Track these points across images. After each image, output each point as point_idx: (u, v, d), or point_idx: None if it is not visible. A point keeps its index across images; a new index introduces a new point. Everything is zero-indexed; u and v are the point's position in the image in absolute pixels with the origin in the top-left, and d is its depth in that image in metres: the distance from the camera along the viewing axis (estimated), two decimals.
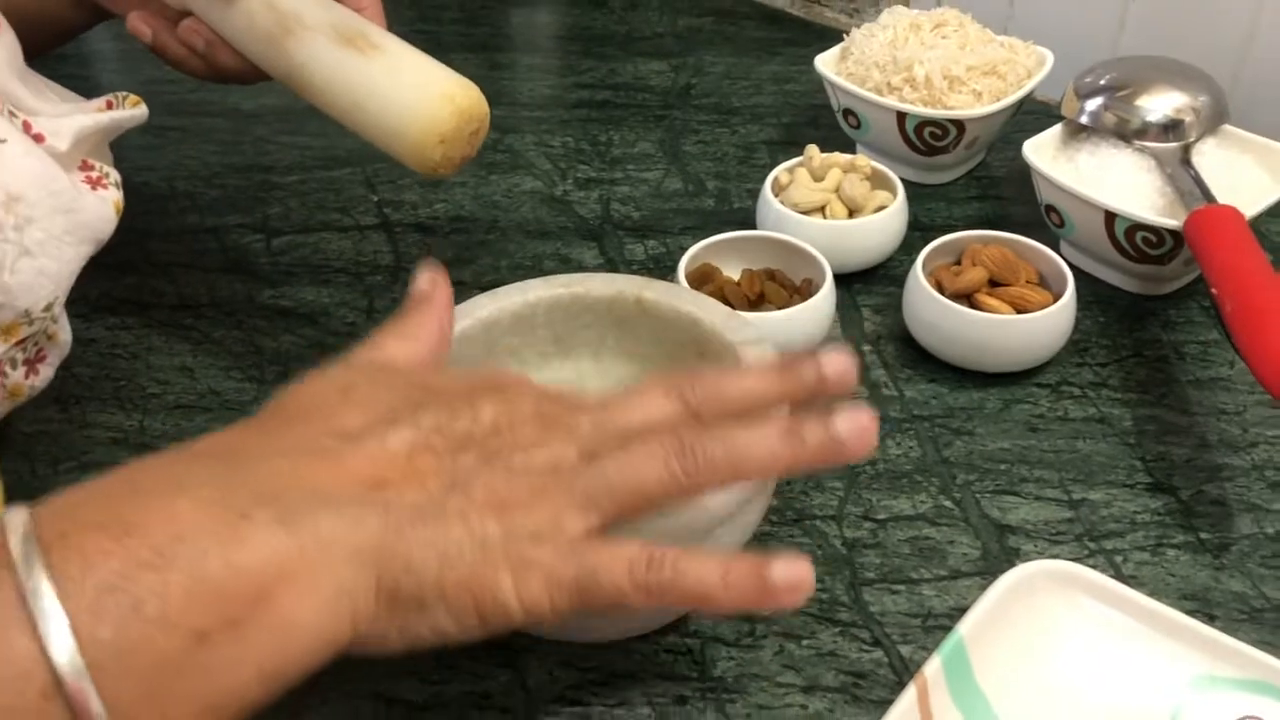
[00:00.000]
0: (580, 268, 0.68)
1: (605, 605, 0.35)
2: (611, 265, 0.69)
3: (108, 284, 0.67)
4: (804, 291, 0.61)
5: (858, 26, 0.77)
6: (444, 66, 0.53)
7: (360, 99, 0.52)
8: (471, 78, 0.54)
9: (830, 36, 0.91)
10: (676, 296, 0.51)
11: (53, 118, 0.47)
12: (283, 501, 0.33)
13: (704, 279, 0.62)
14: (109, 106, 0.51)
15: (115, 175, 0.49)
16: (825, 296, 0.59)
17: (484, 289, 0.52)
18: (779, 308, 0.60)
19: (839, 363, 0.39)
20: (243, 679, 0.31)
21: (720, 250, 0.63)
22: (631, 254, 0.70)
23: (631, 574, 0.35)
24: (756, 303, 0.61)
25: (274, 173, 0.78)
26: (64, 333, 0.48)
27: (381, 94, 0.52)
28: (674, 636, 0.47)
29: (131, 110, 0.51)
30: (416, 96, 0.51)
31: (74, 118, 0.47)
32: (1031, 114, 0.77)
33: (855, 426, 0.37)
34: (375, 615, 0.33)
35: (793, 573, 0.35)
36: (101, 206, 0.47)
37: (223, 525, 0.31)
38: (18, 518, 0.31)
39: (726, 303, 0.58)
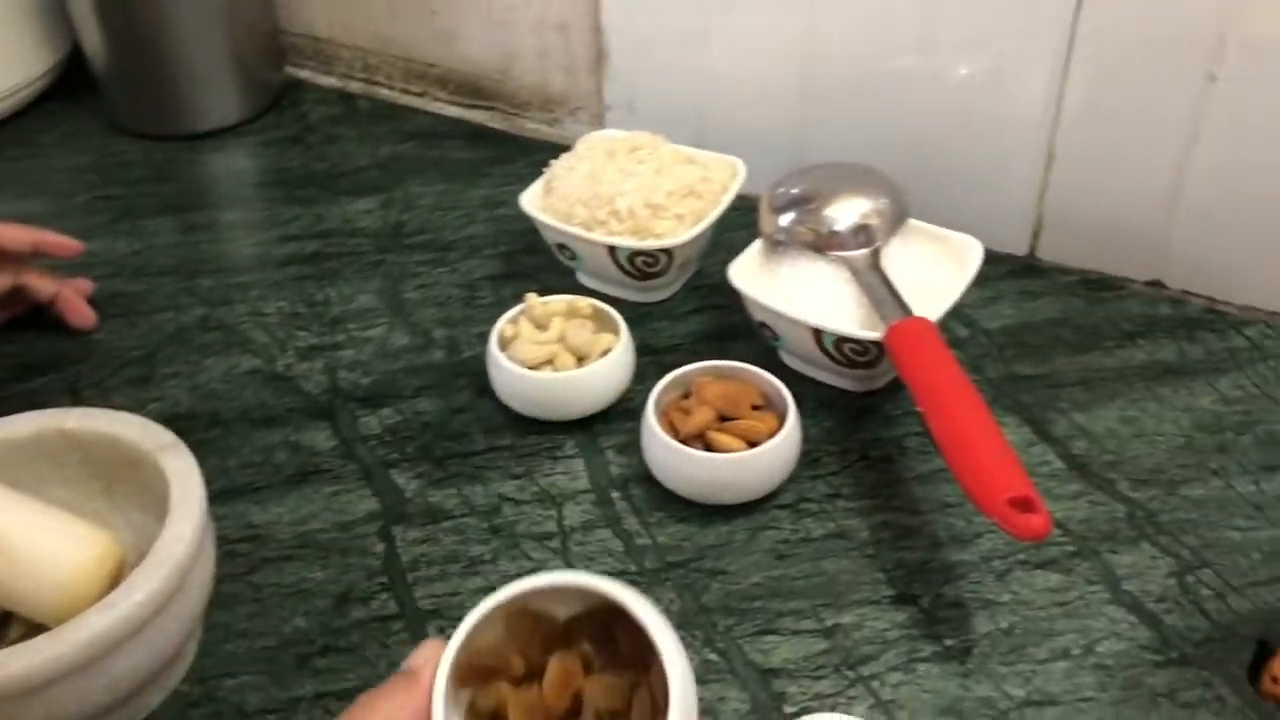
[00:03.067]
0: (313, 454, 0.66)
1: None
2: (348, 445, 0.67)
3: None
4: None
5: (564, 151, 0.78)
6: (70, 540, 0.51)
7: None
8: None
9: (535, 149, 0.92)
10: (94, 419, 0.55)
11: None
12: None
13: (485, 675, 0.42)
14: None
15: None
16: None
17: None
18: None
19: None
20: None
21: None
22: (367, 428, 0.68)
23: None
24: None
25: None
26: None
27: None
28: None
29: None
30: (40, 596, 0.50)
31: None
32: (738, 210, 0.79)
33: None
34: None
35: None
36: None
37: None
38: None
39: None
